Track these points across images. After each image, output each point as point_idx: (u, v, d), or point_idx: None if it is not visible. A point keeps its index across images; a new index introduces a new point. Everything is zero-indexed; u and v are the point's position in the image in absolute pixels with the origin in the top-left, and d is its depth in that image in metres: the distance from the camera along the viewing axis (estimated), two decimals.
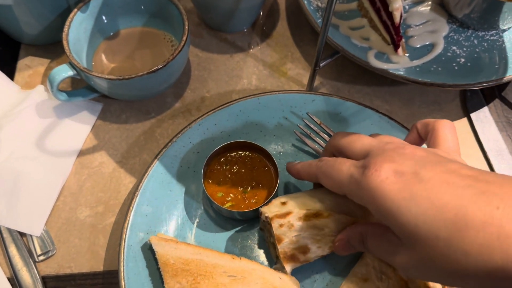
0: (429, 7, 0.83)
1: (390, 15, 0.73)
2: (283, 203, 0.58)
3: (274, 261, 0.63)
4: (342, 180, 0.49)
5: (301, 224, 0.55)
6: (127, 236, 0.63)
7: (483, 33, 0.80)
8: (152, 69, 0.68)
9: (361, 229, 0.53)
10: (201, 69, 0.83)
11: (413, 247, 0.42)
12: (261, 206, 0.61)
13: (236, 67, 0.83)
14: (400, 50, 0.75)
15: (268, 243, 0.64)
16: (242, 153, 0.69)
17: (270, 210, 0.57)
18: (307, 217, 0.55)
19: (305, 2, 0.80)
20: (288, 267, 0.58)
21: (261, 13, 0.89)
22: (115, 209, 0.70)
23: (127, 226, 0.63)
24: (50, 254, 0.66)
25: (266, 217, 0.58)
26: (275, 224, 0.56)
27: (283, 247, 0.56)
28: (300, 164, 0.60)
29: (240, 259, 0.61)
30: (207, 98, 0.80)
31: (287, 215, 0.56)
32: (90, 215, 0.70)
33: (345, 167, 0.50)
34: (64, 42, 0.71)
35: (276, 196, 0.65)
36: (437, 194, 0.41)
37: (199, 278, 0.58)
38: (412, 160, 0.45)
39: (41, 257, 0.66)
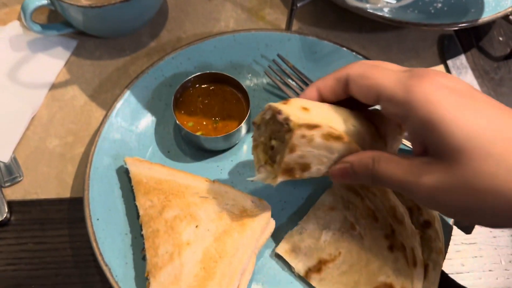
0: None
1: None
2: (305, 109, 0.48)
3: (256, 164, 0.53)
4: (385, 82, 0.43)
5: (320, 141, 0.46)
6: (94, 158, 0.62)
7: None
8: None
9: (372, 154, 0.46)
10: (179, 10, 0.82)
11: (456, 162, 0.38)
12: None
13: (214, 10, 0.83)
14: None
15: (258, 142, 0.53)
16: (214, 85, 0.69)
17: (295, 114, 0.46)
18: (328, 137, 0.47)
19: None
20: (280, 179, 0.49)
21: None
22: (85, 140, 0.69)
23: (94, 149, 0.62)
24: (17, 180, 0.66)
25: (287, 121, 0.46)
26: (297, 133, 0.45)
27: (290, 158, 0.47)
28: (322, 80, 0.51)
29: (214, 182, 0.61)
30: (183, 39, 0.79)
31: (315, 128, 0.46)
32: (59, 145, 0.69)
33: (392, 68, 0.45)
34: None
35: (244, 128, 0.65)
36: (495, 113, 0.39)
37: (171, 197, 0.58)
38: (463, 83, 0.42)
39: (8, 183, 0.65)
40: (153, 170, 0.60)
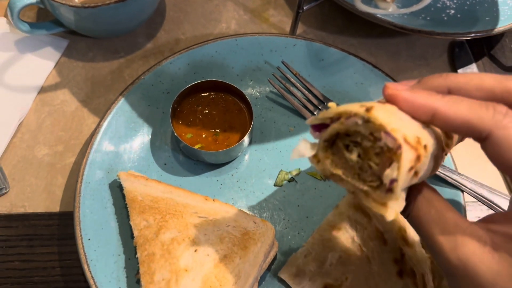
0: None
1: None
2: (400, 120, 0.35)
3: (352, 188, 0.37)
4: None
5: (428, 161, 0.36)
6: (85, 172, 0.58)
7: None
8: None
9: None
10: (177, 10, 0.77)
11: None
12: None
13: (214, 10, 0.78)
14: None
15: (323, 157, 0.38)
16: (215, 94, 0.65)
17: (399, 126, 0.33)
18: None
19: None
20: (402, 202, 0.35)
21: None
22: (76, 149, 0.65)
23: (86, 162, 0.58)
24: (2, 192, 0.61)
25: (392, 138, 0.33)
26: (407, 157, 0.33)
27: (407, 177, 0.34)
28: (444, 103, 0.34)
29: (214, 201, 0.57)
30: (182, 41, 0.75)
31: (424, 148, 0.34)
32: (48, 154, 0.65)
33: None
34: None
35: (246, 140, 0.61)
36: None
37: (168, 216, 0.54)
38: None
39: None
40: (149, 187, 0.57)
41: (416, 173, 0.34)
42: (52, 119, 0.67)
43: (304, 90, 0.68)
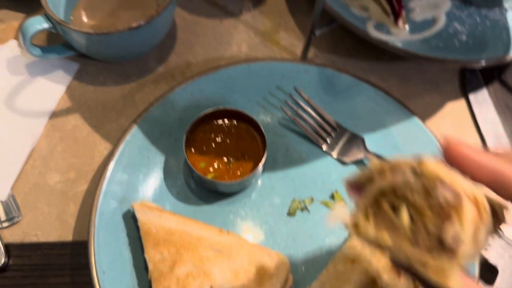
0: None
1: None
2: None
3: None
4: None
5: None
6: (99, 203, 0.58)
7: (486, 10, 0.76)
8: (134, 26, 0.62)
9: None
10: (188, 33, 0.77)
11: None
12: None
13: (225, 33, 0.78)
14: (400, 22, 0.70)
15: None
16: (228, 122, 0.65)
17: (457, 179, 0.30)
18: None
19: None
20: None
21: None
22: (88, 176, 0.65)
23: (100, 192, 0.58)
24: (15, 221, 0.61)
25: (451, 190, 0.29)
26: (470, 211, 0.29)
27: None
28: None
29: (228, 233, 0.57)
30: (193, 64, 0.75)
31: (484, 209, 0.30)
32: (60, 181, 0.64)
33: None
34: None
35: (260, 170, 0.61)
36: None
37: (182, 250, 0.54)
38: None
39: (5, 224, 0.61)
40: (163, 219, 0.56)
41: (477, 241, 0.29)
42: (64, 144, 0.67)
43: (316, 117, 0.68)
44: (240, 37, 0.78)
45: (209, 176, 0.60)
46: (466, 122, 0.74)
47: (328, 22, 0.72)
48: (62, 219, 0.62)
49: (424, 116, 0.74)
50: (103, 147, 0.67)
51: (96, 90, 0.71)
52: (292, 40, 0.78)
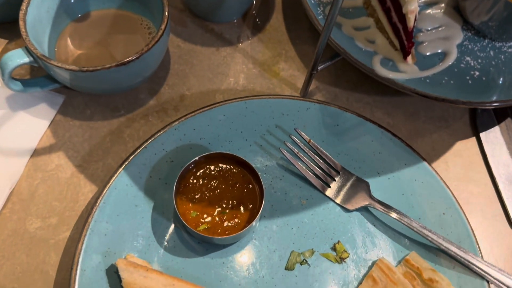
0: (442, 10, 0.74)
1: (401, 17, 0.64)
2: None
3: None
4: None
5: None
6: (80, 259, 0.53)
7: (500, 44, 0.72)
8: (122, 61, 0.58)
9: None
10: (182, 62, 0.72)
11: None
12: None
13: (222, 63, 0.73)
14: (409, 58, 0.66)
15: None
16: (223, 166, 0.60)
17: None
18: None
19: None
20: None
21: (254, 3, 0.79)
22: (71, 222, 0.60)
23: (81, 247, 0.54)
24: None
25: None
26: None
27: None
28: None
29: None
30: (187, 97, 0.70)
31: None
32: (41, 227, 0.60)
33: None
34: (21, 23, 0.60)
35: (256, 222, 0.56)
36: None
37: None
38: None
39: None
40: (149, 279, 0.52)
41: None
42: (46, 186, 0.62)
43: (318, 159, 0.63)
44: (237, 67, 0.73)
45: (201, 228, 0.56)
46: (477, 163, 0.70)
47: (331, 55, 0.68)
48: (43, 270, 0.57)
49: (432, 155, 0.69)
50: (88, 189, 0.62)
51: (82, 125, 0.66)
52: (292, 71, 0.73)
